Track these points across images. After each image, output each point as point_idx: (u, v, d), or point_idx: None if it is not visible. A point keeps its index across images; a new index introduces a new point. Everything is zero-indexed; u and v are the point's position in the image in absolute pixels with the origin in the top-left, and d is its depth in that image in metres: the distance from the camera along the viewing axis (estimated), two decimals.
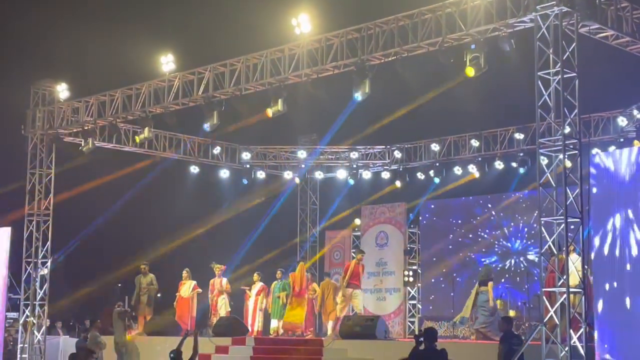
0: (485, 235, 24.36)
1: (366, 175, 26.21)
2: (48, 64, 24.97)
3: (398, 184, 25.30)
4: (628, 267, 13.41)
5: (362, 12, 18.22)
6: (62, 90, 22.18)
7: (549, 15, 14.40)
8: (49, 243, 22.06)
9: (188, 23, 25.96)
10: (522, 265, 23.26)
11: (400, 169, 25.44)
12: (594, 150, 18.39)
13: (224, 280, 21.67)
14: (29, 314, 21.67)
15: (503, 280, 23.52)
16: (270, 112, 18.32)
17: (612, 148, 20.25)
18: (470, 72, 15.67)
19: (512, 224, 23.87)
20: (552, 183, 14.29)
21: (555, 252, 14.32)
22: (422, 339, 11.94)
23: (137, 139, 21.34)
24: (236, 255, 26.46)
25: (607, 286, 13.62)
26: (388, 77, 17.13)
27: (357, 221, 26.27)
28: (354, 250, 26.01)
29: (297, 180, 26.82)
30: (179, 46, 20.87)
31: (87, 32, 26.05)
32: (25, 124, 22.57)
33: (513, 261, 23.60)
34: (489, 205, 24.53)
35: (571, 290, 13.97)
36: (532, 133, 21.13)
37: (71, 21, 26.02)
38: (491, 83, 18.79)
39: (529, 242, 23.17)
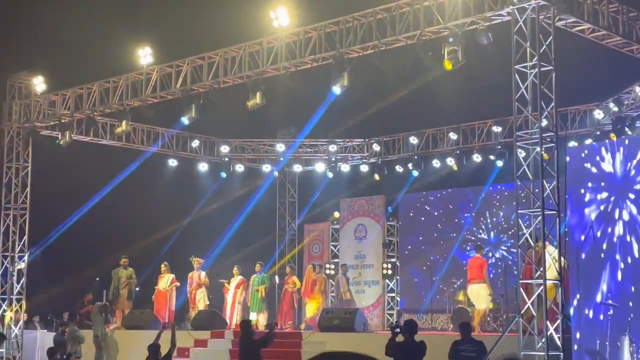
0: (463, 228, 24.45)
1: (345, 168, 26.24)
2: (25, 57, 24.77)
3: (377, 177, 25.36)
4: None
5: (340, 5, 18.19)
6: (39, 83, 22.04)
7: (526, 9, 14.48)
8: (26, 237, 21.94)
9: (166, 16, 25.84)
10: (499, 257, 23.37)
11: (379, 162, 25.49)
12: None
13: (203, 273, 21.65)
14: (6, 308, 21.55)
15: None
16: (250, 105, 18.29)
17: (588, 141, 20.42)
18: (448, 65, 15.72)
19: (490, 216, 23.98)
20: (529, 176, 14.39)
21: (532, 244, 14.43)
22: (398, 329, 12.02)
23: (118, 130, 21.13)
24: (215, 248, 26.42)
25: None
26: (366, 70, 17.14)
27: (337, 214, 26.32)
28: (333, 244, 26.09)
29: (275, 173, 26.82)
30: (157, 39, 20.78)
31: (64, 25, 25.85)
32: (1, 118, 22.42)
33: (490, 253, 23.71)
34: (467, 198, 24.62)
35: (548, 281, 14.08)
36: (510, 126, 21.21)
37: (48, 14, 25.81)
38: (469, 76, 18.86)
39: (507, 235, 23.29)
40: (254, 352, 13.79)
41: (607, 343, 13.30)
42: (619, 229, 13.60)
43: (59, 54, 25.07)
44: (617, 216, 13.64)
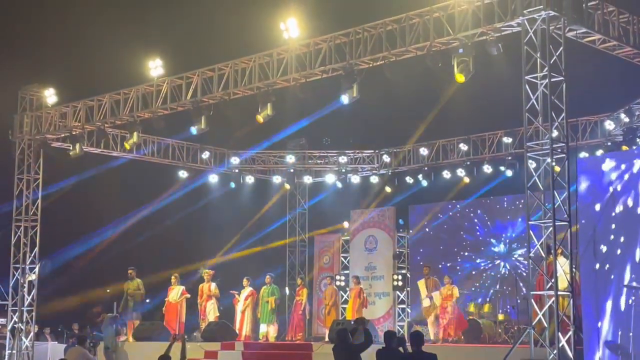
0: (474, 239, 24.38)
1: (355, 179, 26.22)
2: (36, 69, 24.89)
3: (388, 189, 25.29)
4: None
5: (350, 16, 18.25)
6: (50, 95, 22.13)
7: (536, 20, 14.47)
8: (36, 249, 21.99)
9: (176, 28, 25.93)
10: (510, 269, 23.28)
11: (389, 173, 25.46)
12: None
13: (213, 285, 21.61)
14: (17, 320, 21.58)
15: (489, 282, 23.56)
16: (260, 118, 18.33)
17: (599, 152, 20.34)
18: (460, 78, 15.71)
19: (501, 227, 23.90)
20: (540, 186, 14.34)
21: (544, 255, 14.37)
22: (400, 347, 11.87)
23: (127, 145, 21.33)
24: (225, 259, 26.42)
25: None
26: (376, 81, 17.15)
27: (346, 224, 26.28)
28: (343, 255, 26.03)
29: (286, 185, 26.80)
30: (167, 51, 20.85)
31: (74, 37, 25.99)
32: (12, 129, 22.50)
33: (502, 264, 23.63)
34: (478, 209, 24.55)
35: (559, 293, 14.01)
36: (520, 137, 21.18)
37: (59, 26, 25.95)
38: (479, 87, 18.84)
39: (517, 246, 23.21)
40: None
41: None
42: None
43: (69, 66, 25.18)
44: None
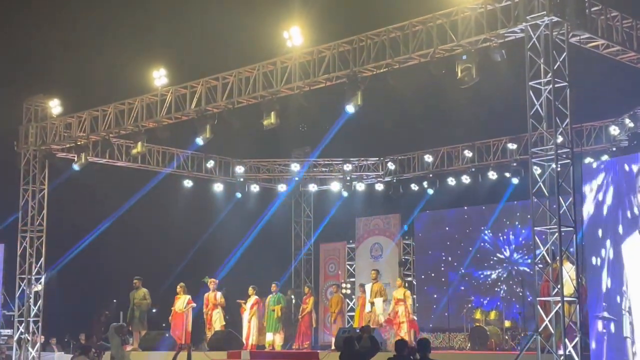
0: (479, 246, 24.34)
1: (360, 187, 26.22)
2: (40, 80, 24.95)
3: (394, 195, 25.23)
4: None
5: (353, 24, 18.26)
6: (55, 106, 22.20)
7: (539, 25, 14.47)
8: (42, 259, 22.02)
9: (180, 37, 25.97)
10: (516, 275, 23.24)
11: (394, 181, 25.45)
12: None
13: (219, 294, 21.60)
14: (23, 330, 21.59)
15: (497, 289, 23.52)
16: (266, 123, 18.34)
17: (604, 157, 20.31)
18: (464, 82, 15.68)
19: (506, 233, 23.88)
20: (545, 192, 14.32)
21: (549, 261, 14.34)
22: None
23: (134, 151, 21.25)
24: (231, 268, 26.39)
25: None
26: (380, 88, 17.16)
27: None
28: (349, 263, 26.01)
29: (292, 192, 26.83)
30: (171, 60, 20.90)
31: (79, 47, 26.05)
32: (17, 140, 22.57)
33: (507, 271, 23.59)
34: (483, 216, 24.54)
35: (566, 299, 13.98)
36: (525, 143, 21.17)
37: (63, 37, 26.03)
38: (483, 93, 18.83)
39: (523, 252, 23.18)
40: None
41: None
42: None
43: (74, 77, 25.23)
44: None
